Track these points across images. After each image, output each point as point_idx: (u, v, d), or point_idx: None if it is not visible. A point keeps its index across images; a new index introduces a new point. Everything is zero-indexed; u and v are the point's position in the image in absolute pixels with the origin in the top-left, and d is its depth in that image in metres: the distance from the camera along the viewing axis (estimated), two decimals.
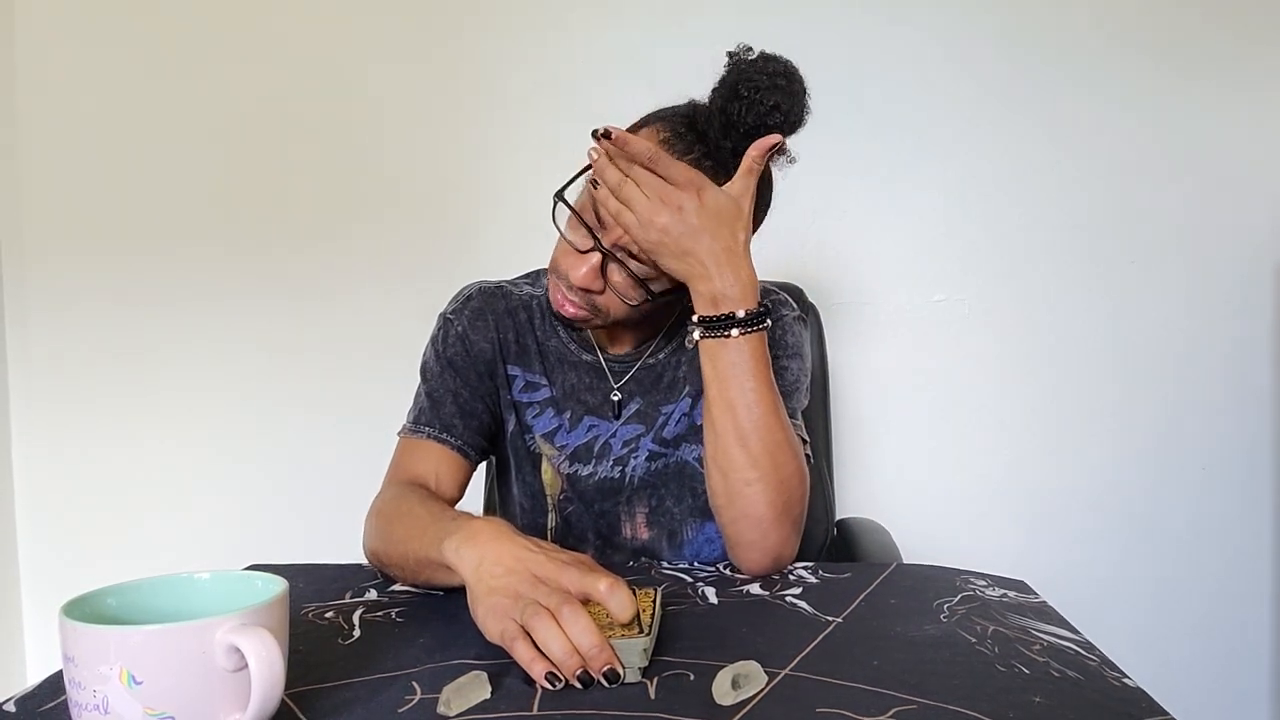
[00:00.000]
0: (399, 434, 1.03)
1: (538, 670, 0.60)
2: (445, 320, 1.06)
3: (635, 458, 1.02)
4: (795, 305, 1.08)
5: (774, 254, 1.62)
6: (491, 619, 0.65)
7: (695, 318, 0.87)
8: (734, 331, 0.85)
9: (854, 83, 1.62)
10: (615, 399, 1.03)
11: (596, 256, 0.89)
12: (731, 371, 0.86)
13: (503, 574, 0.67)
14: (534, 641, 0.61)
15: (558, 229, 0.93)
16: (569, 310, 0.92)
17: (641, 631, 0.62)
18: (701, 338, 0.87)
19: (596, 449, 1.03)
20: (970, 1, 1.61)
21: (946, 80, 1.62)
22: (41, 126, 1.69)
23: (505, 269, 1.17)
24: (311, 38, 1.67)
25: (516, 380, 1.04)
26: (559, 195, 0.92)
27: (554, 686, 0.59)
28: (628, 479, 1.02)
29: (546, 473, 1.04)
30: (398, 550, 0.83)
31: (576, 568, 0.67)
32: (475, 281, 1.10)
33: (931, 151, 1.63)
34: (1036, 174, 1.63)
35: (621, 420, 1.03)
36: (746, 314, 0.86)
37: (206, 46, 1.67)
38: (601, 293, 0.91)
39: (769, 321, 0.90)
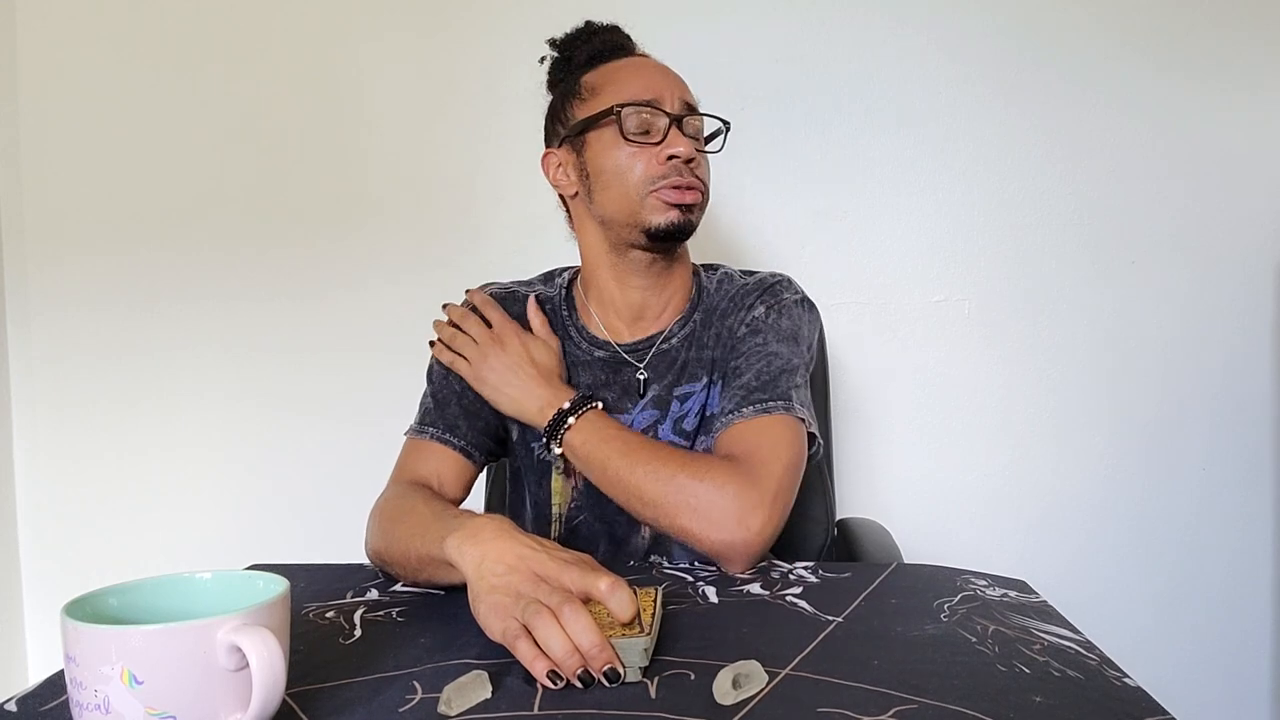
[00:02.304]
0: (405, 434, 1.03)
1: (539, 669, 0.60)
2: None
3: None
4: (799, 289, 1.09)
5: (775, 254, 1.63)
6: (493, 617, 0.65)
7: (544, 440, 0.98)
8: (570, 420, 0.95)
9: (854, 83, 1.62)
10: (641, 378, 1.04)
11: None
12: (592, 452, 0.94)
13: (504, 572, 0.67)
14: (535, 640, 0.61)
15: (629, 139, 1.00)
16: (691, 194, 1.00)
17: (642, 631, 0.62)
18: (560, 448, 0.96)
19: None
20: (971, 2, 1.61)
21: (947, 80, 1.62)
22: (42, 126, 1.69)
23: (507, 268, 1.17)
24: (312, 37, 1.67)
25: None
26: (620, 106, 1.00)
27: (555, 685, 0.59)
28: None
29: (556, 481, 1.05)
30: (399, 548, 0.83)
31: (578, 567, 0.67)
32: (489, 284, 1.11)
33: (932, 152, 1.63)
34: (1036, 174, 1.63)
35: (639, 407, 1.03)
36: (570, 404, 0.96)
37: (207, 45, 1.67)
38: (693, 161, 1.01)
39: (596, 404, 0.98)
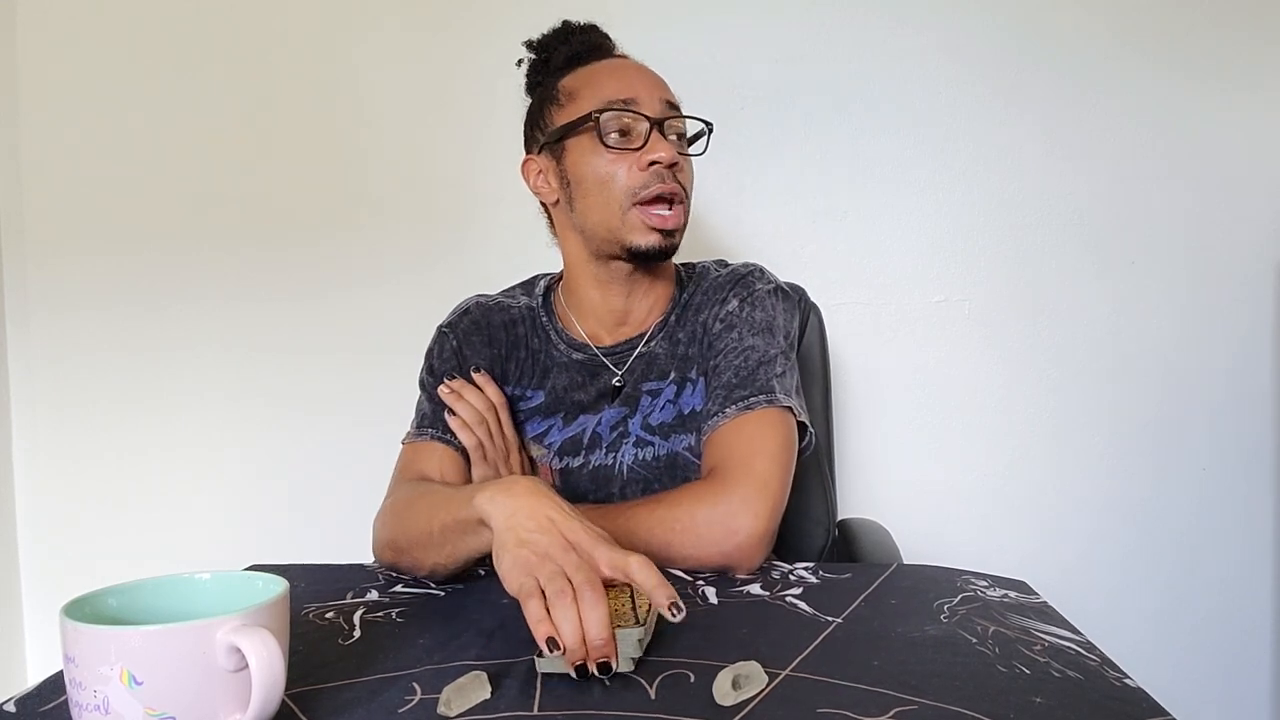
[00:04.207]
0: (403, 442, 1.03)
1: (541, 632, 0.60)
2: (441, 334, 1.08)
3: (625, 443, 1.02)
4: (772, 278, 1.07)
5: (775, 254, 1.63)
6: (517, 570, 0.65)
7: None
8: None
9: (854, 82, 1.62)
10: (617, 384, 1.04)
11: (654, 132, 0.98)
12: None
13: (535, 530, 0.67)
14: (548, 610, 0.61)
15: (608, 146, 0.98)
16: (673, 218, 0.98)
17: (638, 623, 0.63)
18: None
19: (586, 440, 1.03)
20: (971, 2, 1.61)
21: (947, 80, 1.62)
22: (42, 126, 1.69)
23: (507, 268, 1.18)
24: (312, 37, 1.66)
25: (509, 396, 1.05)
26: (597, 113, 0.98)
27: (551, 652, 0.59)
28: (618, 467, 1.02)
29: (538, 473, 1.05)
30: (420, 526, 0.83)
31: (608, 544, 0.67)
32: (473, 295, 1.11)
33: (932, 152, 1.63)
34: (1037, 174, 1.63)
35: (611, 405, 1.03)
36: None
37: (207, 46, 1.67)
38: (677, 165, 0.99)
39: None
